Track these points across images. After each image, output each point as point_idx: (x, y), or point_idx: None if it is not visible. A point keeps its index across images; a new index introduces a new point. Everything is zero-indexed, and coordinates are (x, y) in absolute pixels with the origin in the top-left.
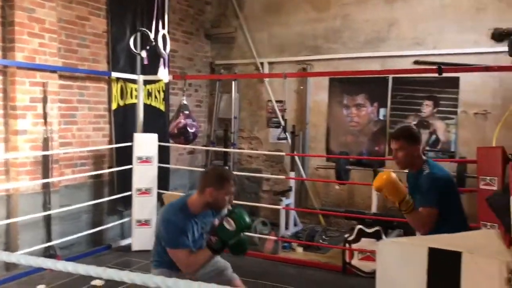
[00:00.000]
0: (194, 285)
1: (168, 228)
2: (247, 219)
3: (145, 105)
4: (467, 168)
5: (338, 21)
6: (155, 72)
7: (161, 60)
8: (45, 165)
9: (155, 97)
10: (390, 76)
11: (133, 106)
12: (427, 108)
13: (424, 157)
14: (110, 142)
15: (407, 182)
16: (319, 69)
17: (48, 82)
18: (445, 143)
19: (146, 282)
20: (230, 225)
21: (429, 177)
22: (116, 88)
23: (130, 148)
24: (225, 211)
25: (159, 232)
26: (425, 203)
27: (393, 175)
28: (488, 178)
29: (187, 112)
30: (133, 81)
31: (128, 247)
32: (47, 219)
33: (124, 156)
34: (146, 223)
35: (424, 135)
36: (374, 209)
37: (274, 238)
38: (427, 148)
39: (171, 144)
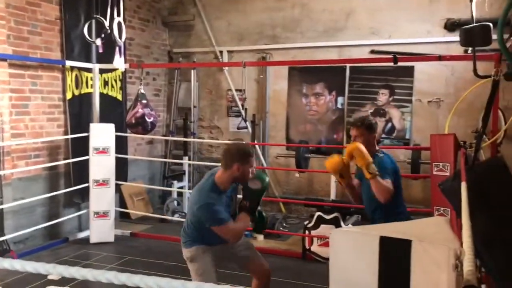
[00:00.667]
0: (141, 279)
1: (208, 211)
2: (265, 176)
3: (101, 95)
4: (421, 155)
5: (296, 11)
6: (111, 60)
7: (117, 48)
8: None
9: (112, 86)
10: (348, 65)
11: (89, 96)
12: (383, 96)
13: (377, 147)
14: (65, 133)
15: (358, 177)
16: (278, 58)
17: None
18: (400, 130)
19: (97, 278)
20: (256, 184)
21: (385, 159)
22: (70, 77)
23: (86, 139)
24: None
25: (196, 217)
26: (384, 177)
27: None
28: (441, 164)
29: (145, 101)
30: (89, 70)
31: (86, 240)
32: None
33: (81, 147)
34: (104, 214)
35: (380, 123)
36: (332, 196)
37: None
38: (383, 135)
39: (128, 134)
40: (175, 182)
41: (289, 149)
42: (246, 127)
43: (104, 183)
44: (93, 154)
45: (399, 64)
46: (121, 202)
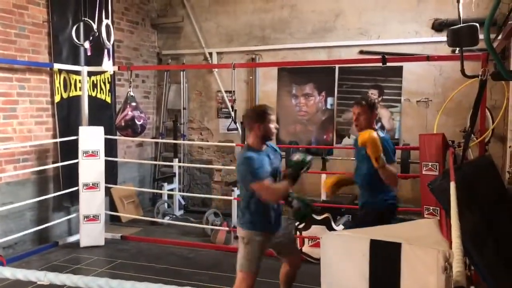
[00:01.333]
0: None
1: (247, 164)
2: (305, 154)
3: (90, 97)
4: (411, 155)
5: (285, 11)
6: (99, 63)
7: (105, 51)
8: None
9: (101, 88)
10: (337, 66)
11: (78, 99)
12: (372, 97)
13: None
14: (54, 136)
15: (354, 146)
16: (267, 59)
17: None
18: (390, 130)
19: (89, 285)
20: (296, 156)
21: (386, 138)
22: (59, 80)
23: (75, 142)
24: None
25: (241, 178)
26: (392, 159)
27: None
28: (430, 163)
29: (134, 103)
30: (77, 73)
31: (76, 244)
32: None
33: (70, 150)
34: (94, 218)
35: None
36: (323, 196)
37: (226, 228)
38: None
39: (118, 137)
40: (165, 184)
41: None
42: (236, 129)
43: (93, 186)
44: (83, 157)
45: (388, 64)
46: (111, 205)
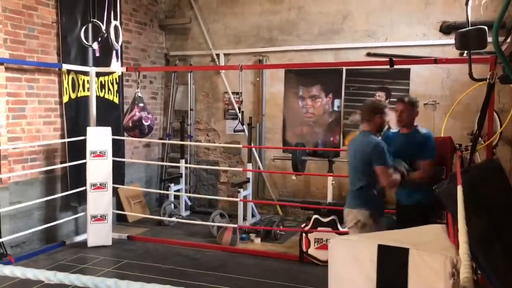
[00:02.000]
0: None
1: (377, 148)
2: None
3: (98, 98)
4: None
5: (292, 13)
6: (107, 63)
7: (114, 52)
8: None
9: (109, 89)
10: (344, 68)
11: (86, 99)
12: (379, 99)
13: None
14: (62, 136)
15: (386, 140)
16: (274, 61)
17: None
18: None
19: (98, 285)
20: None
21: (430, 135)
22: (67, 81)
23: (83, 142)
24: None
25: (366, 159)
26: (429, 157)
27: None
28: (437, 167)
29: (142, 104)
30: (85, 73)
31: (83, 243)
32: None
33: (77, 150)
34: (101, 218)
35: None
36: (329, 199)
37: (234, 225)
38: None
39: (125, 138)
40: (172, 185)
41: (285, 151)
42: (243, 130)
43: (101, 186)
44: (90, 157)
45: (396, 66)
46: (118, 205)
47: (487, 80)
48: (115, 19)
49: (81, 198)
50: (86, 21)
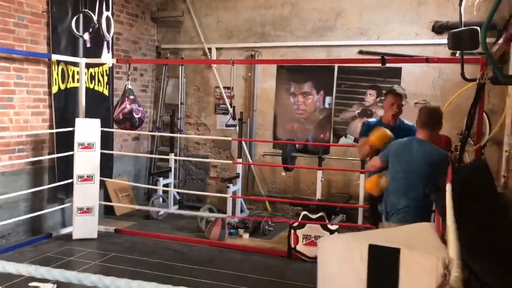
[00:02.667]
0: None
1: (447, 163)
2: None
3: (88, 89)
4: None
5: (286, 9)
6: (98, 55)
7: (105, 43)
8: None
9: (99, 81)
10: (336, 65)
11: (75, 90)
12: (370, 97)
13: None
14: (50, 127)
15: (368, 128)
16: (267, 56)
17: None
18: None
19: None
20: None
21: (415, 127)
22: (56, 71)
23: (71, 134)
24: None
25: (435, 173)
26: None
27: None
28: None
29: (132, 97)
30: (75, 64)
31: (69, 236)
32: None
33: (65, 142)
34: (88, 210)
35: None
36: (318, 195)
37: (222, 219)
38: None
39: (114, 130)
40: (161, 179)
41: (276, 147)
42: (234, 125)
43: (88, 178)
44: (78, 149)
45: (387, 65)
46: (106, 198)
47: (477, 80)
48: (107, 10)
49: (69, 190)
50: (77, 11)
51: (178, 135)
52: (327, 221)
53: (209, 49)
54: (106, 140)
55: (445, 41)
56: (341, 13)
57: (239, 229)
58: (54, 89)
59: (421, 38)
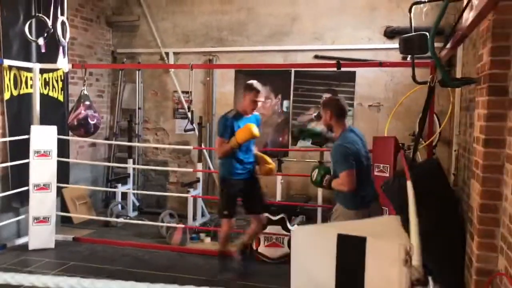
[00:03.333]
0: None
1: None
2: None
3: (42, 95)
4: None
5: (242, 14)
6: (53, 60)
7: (60, 48)
8: None
9: (53, 86)
10: (293, 70)
11: (29, 96)
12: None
13: None
14: (3, 135)
15: None
16: (224, 61)
17: None
18: None
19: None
20: None
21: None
22: (8, 77)
23: (26, 141)
24: None
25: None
26: None
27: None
28: (382, 165)
29: (88, 102)
30: (28, 70)
31: (25, 246)
32: None
33: (20, 149)
34: (44, 220)
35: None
36: (278, 197)
37: (181, 226)
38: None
39: (71, 137)
40: (119, 185)
41: None
42: (193, 129)
43: (45, 187)
44: (34, 157)
45: (342, 69)
46: (63, 206)
47: (428, 83)
48: (62, 14)
49: (24, 198)
50: (29, 15)
51: (135, 144)
52: (288, 222)
53: (166, 53)
54: (62, 147)
55: (396, 45)
56: (297, 19)
57: (200, 234)
58: (6, 96)
59: (373, 42)
